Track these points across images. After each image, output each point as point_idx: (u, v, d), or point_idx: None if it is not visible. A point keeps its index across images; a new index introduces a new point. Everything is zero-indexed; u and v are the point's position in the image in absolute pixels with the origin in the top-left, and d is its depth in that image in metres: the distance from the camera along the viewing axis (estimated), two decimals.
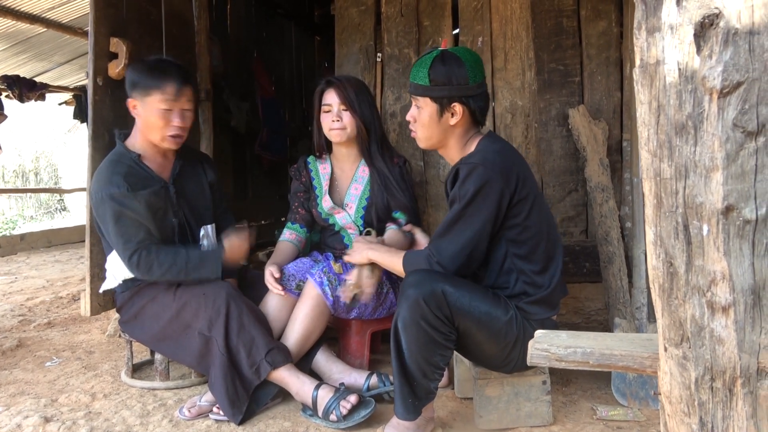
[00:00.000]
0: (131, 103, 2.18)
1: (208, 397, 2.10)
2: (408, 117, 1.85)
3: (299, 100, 5.23)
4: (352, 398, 1.95)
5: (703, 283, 0.83)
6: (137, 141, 2.24)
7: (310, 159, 2.55)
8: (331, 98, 2.34)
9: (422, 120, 1.80)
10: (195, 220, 2.33)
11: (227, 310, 2.06)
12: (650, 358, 0.95)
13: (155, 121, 2.15)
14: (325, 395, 1.99)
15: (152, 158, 2.25)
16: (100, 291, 2.32)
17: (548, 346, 1.02)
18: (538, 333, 1.09)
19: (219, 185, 2.53)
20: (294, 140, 4.94)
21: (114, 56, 2.44)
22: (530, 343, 1.07)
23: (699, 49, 0.81)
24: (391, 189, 2.37)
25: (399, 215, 2.41)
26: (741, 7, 0.79)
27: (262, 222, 4.32)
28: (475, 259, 1.77)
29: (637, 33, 0.88)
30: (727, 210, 0.82)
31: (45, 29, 5.39)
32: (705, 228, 0.83)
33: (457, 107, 1.76)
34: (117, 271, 2.22)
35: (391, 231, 2.33)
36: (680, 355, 0.86)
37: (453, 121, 1.78)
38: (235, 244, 2.21)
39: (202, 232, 2.31)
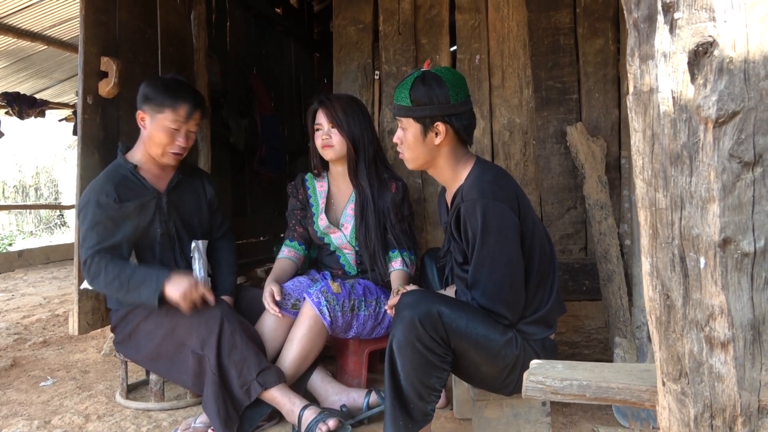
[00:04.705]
0: (140, 115, 2.23)
1: (203, 418, 2.07)
2: (395, 139, 1.85)
3: (298, 116, 5.24)
4: (331, 422, 1.93)
5: (701, 317, 0.81)
6: (138, 153, 2.29)
7: (308, 177, 2.55)
8: (321, 118, 2.39)
9: (407, 141, 1.80)
10: (186, 233, 2.34)
11: (220, 329, 2.05)
12: (648, 392, 0.92)
13: (161, 137, 2.20)
14: (308, 416, 1.98)
15: (149, 169, 2.29)
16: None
17: (543, 378, 0.99)
18: (533, 364, 1.06)
19: (220, 205, 2.52)
20: (293, 156, 4.94)
21: (104, 75, 2.43)
22: (525, 374, 1.04)
23: (693, 78, 0.79)
24: (367, 213, 2.35)
25: (395, 255, 2.37)
26: (736, 35, 0.77)
27: (261, 238, 4.31)
28: (519, 289, 1.74)
29: (630, 60, 0.86)
30: (725, 242, 0.80)
31: (45, 47, 5.42)
32: (702, 260, 0.81)
33: (440, 126, 1.75)
34: None
35: (396, 273, 2.34)
36: (679, 390, 0.83)
37: (437, 140, 1.77)
38: (181, 285, 2.07)
39: (192, 245, 2.32)
